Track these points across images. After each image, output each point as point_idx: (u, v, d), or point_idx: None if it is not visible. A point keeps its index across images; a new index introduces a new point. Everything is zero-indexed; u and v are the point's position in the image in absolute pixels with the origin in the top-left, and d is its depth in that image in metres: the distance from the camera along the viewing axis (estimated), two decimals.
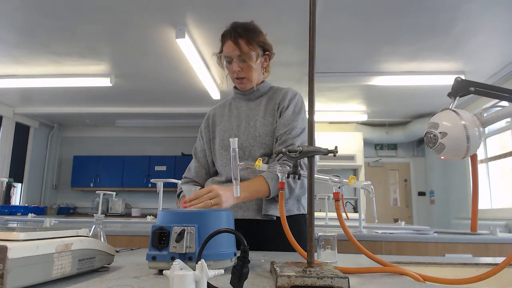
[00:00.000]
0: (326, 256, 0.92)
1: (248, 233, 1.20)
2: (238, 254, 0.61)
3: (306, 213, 1.34)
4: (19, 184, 6.84)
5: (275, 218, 1.25)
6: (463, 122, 0.68)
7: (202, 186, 1.38)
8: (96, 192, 2.63)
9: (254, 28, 1.34)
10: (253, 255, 1.02)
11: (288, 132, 1.28)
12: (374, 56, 4.19)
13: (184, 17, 3.38)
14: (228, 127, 1.38)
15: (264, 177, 1.19)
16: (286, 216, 1.25)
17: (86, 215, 6.71)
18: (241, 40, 1.28)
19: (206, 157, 1.45)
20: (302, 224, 1.30)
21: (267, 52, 1.37)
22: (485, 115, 0.70)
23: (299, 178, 0.86)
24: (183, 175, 1.47)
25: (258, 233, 1.25)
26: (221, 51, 1.35)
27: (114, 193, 2.94)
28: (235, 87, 1.45)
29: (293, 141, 1.26)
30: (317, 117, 5.42)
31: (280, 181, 0.88)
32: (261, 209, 1.26)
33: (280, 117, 1.32)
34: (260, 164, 0.90)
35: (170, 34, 3.67)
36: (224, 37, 1.33)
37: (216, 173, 1.44)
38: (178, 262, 0.55)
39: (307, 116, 1.32)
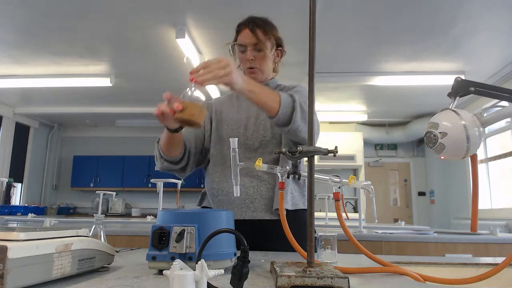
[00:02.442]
0: (326, 256, 0.92)
1: (256, 234, 1.19)
2: (238, 254, 0.61)
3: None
4: (19, 184, 6.84)
5: (285, 213, 1.22)
6: (463, 122, 0.68)
7: (185, 146, 1.29)
8: (96, 192, 2.63)
9: (270, 22, 1.37)
10: (253, 255, 1.02)
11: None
12: (374, 56, 4.19)
13: (184, 17, 3.38)
14: (238, 118, 1.35)
15: (279, 93, 1.08)
16: (293, 210, 1.27)
17: (86, 215, 6.71)
18: (258, 29, 1.30)
19: (199, 132, 1.37)
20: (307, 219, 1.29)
21: (279, 48, 1.39)
22: (485, 115, 0.70)
23: (299, 178, 0.86)
24: None
25: (267, 234, 1.23)
26: (234, 41, 1.35)
27: (114, 193, 2.94)
28: None
29: (292, 91, 1.19)
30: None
31: (280, 181, 0.88)
32: (270, 208, 1.25)
33: None
34: (260, 164, 0.90)
35: (170, 34, 3.67)
36: (241, 26, 1.34)
37: (205, 154, 1.38)
38: (178, 262, 0.55)
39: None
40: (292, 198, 1.29)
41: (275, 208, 1.24)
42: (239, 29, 1.35)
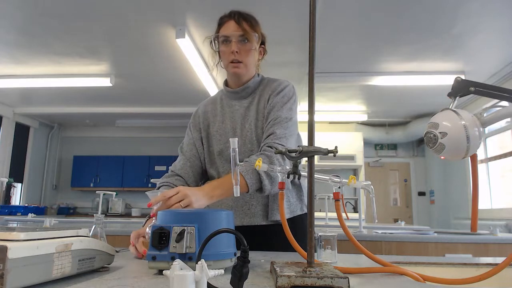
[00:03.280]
0: (326, 256, 0.92)
1: (255, 239, 1.18)
2: (238, 254, 0.61)
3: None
4: (19, 184, 6.83)
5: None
6: (463, 122, 0.68)
7: (186, 182, 1.32)
8: (96, 192, 2.63)
9: (255, 17, 1.30)
10: (253, 255, 1.02)
11: (271, 124, 1.22)
12: (374, 56, 4.19)
13: (184, 17, 3.38)
14: (223, 131, 1.32)
15: (241, 172, 1.09)
16: (291, 218, 1.26)
17: (86, 215, 6.71)
18: (244, 22, 1.25)
19: (193, 152, 1.37)
20: (306, 224, 1.29)
21: (262, 45, 1.33)
22: (485, 115, 0.70)
23: (299, 178, 0.86)
24: (169, 169, 1.37)
25: (266, 238, 1.23)
26: (217, 33, 1.29)
27: (114, 193, 2.94)
28: (225, 84, 1.38)
29: (273, 129, 1.19)
30: (317, 117, 5.42)
31: (280, 181, 0.88)
32: (266, 214, 1.25)
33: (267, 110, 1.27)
34: (260, 164, 0.90)
35: (170, 34, 3.67)
36: (224, 19, 1.28)
37: (204, 175, 1.37)
38: (178, 262, 0.55)
39: (296, 107, 1.30)
40: (289, 205, 1.27)
41: (271, 220, 1.24)
42: (222, 21, 1.29)
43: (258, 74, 1.37)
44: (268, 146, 1.16)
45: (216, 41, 1.28)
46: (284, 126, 1.21)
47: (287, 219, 1.21)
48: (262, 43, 1.33)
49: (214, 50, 1.31)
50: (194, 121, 1.41)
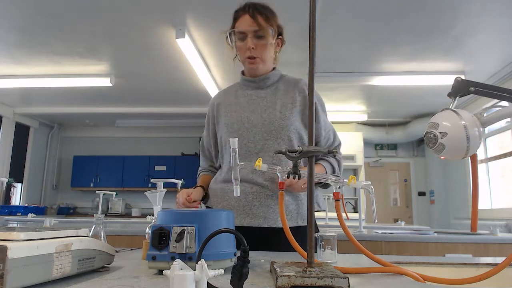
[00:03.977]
0: (326, 256, 0.92)
1: (256, 240, 1.16)
2: (238, 254, 0.61)
3: (321, 209, 1.34)
4: (19, 184, 6.83)
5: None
6: (463, 122, 0.68)
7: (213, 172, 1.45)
8: (96, 192, 2.63)
9: (271, 8, 1.28)
10: (253, 255, 1.02)
11: (329, 137, 1.34)
12: (374, 56, 4.19)
13: (184, 17, 3.38)
14: (236, 119, 1.28)
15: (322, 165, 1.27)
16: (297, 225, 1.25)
17: (86, 215, 6.71)
18: (259, 16, 1.22)
19: (210, 151, 1.43)
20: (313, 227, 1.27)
21: (280, 36, 1.31)
22: (485, 115, 0.70)
23: (299, 178, 0.85)
24: (199, 169, 1.52)
25: (266, 239, 1.21)
26: (232, 28, 1.26)
27: (114, 193, 2.93)
28: (242, 73, 1.37)
29: (338, 142, 1.38)
30: None
31: (280, 181, 0.88)
32: (268, 216, 1.22)
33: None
34: (260, 164, 0.90)
35: (170, 34, 3.67)
36: (239, 12, 1.26)
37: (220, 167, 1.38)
38: (178, 262, 0.55)
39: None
40: (301, 213, 1.26)
41: (278, 226, 1.21)
42: (237, 15, 1.26)
43: (278, 69, 1.38)
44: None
45: (232, 36, 1.27)
46: (333, 134, 1.37)
47: (299, 226, 1.22)
48: (280, 33, 1.31)
49: (230, 46, 1.30)
50: (210, 114, 1.42)
